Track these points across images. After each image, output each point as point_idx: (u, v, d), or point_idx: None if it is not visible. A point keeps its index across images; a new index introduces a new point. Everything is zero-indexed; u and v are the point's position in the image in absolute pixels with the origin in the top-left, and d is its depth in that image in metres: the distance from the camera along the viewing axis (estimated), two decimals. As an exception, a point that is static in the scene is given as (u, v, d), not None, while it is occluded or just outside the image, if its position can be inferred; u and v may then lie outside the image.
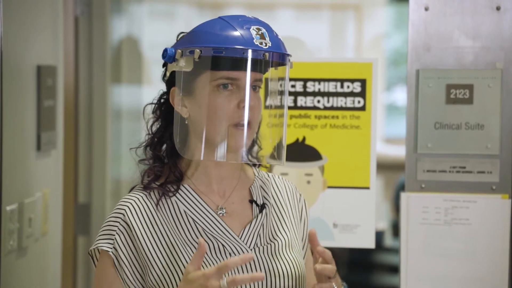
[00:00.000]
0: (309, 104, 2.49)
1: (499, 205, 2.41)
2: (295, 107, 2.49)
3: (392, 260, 4.73)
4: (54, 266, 2.86)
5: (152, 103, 1.94)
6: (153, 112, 1.93)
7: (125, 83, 3.76)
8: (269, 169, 2.25)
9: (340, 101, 2.48)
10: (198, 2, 5.37)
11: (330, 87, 2.48)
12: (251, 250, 1.86)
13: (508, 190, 2.42)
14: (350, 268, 4.54)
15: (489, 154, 2.42)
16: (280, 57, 1.83)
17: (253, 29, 1.81)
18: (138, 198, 1.87)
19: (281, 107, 1.91)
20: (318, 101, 2.49)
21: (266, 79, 1.91)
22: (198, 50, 1.80)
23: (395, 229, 4.91)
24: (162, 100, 1.93)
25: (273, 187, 1.98)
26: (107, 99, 3.47)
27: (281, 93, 1.91)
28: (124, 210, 1.86)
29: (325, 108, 2.49)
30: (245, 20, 1.83)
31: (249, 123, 1.82)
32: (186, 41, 1.85)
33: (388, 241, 4.97)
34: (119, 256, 1.83)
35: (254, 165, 1.99)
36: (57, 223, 2.89)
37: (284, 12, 5.84)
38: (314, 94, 2.48)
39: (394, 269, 4.38)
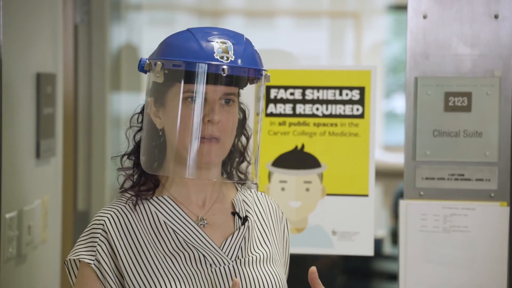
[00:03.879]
0: (307, 111, 2.49)
1: (498, 213, 2.41)
2: (293, 114, 2.49)
3: (391, 267, 4.73)
4: (53, 274, 2.86)
5: (136, 113, 1.92)
6: (137, 122, 1.91)
7: (125, 90, 3.76)
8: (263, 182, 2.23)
9: (338, 109, 2.49)
10: (198, 10, 5.37)
11: (329, 94, 2.49)
12: (232, 261, 1.83)
13: (507, 197, 2.42)
14: (349, 276, 4.54)
15: (487, 161, 2.42)
16: (241, 71, 1.76)
17: (216, 42, 1.76)
18: (117, 209, 1.85)
19: (257, 119, 1.87)
20: (317, 109, 2.49)
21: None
22: (159, 63, 1.78)
23: (394, 237, 4.91)
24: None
25: (255, 202, 1.95)
26: (107, 106, 3.48)
27: (257, 106, 1.87)
28: (104, 220, 1.83)
29: (324, 116, 2.49)
30: (212, 32, 1.78)
31: (217, 138, 1.78)
32: (156, 52, 1.84)
33: (387, 248, 4.97)
34: (103, 268, 1.79)
35: (243, 183, 1.97)
36: (56, 231, 2.89)
37: (283, 20, 5.86)
38: (313, 101, 2.49)
39: (393, 277, 4.38)
